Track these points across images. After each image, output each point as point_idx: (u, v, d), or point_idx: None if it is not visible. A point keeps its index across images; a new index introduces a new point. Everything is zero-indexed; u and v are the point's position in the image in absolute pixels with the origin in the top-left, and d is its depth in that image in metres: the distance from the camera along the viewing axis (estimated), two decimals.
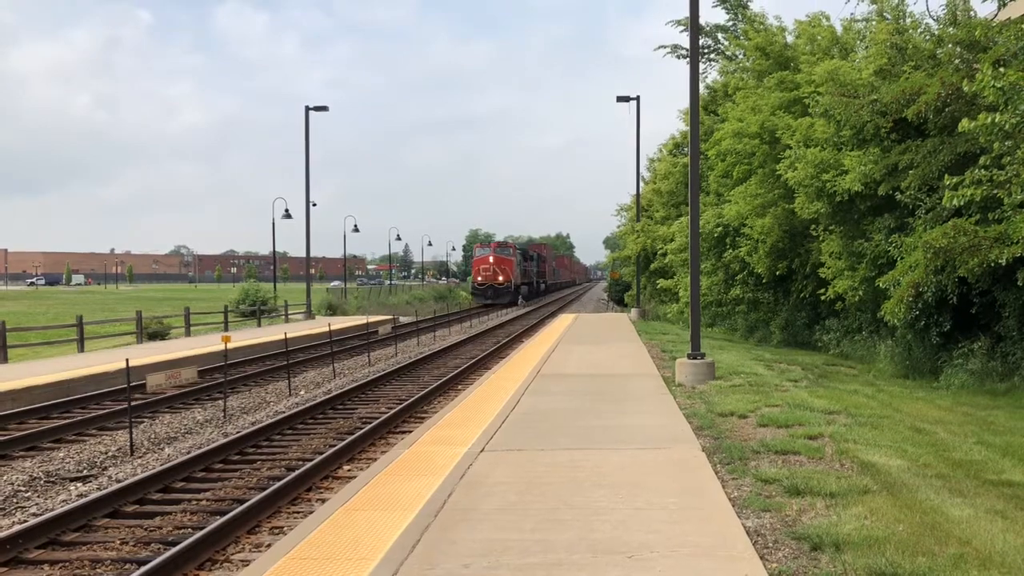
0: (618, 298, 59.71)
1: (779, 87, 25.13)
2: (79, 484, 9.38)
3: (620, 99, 36.83)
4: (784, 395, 11.99)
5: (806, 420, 9.77)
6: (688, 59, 15.45)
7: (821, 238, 21.68)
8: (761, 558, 5.05)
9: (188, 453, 10.59)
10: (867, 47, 22.27)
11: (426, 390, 15.47)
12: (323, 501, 8.05)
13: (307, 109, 35.48)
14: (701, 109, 18.33)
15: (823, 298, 21.48)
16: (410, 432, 10.39)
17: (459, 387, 16.36)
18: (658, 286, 38.85)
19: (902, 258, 16.71)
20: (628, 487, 6.67)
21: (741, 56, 32.92)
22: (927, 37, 19.79)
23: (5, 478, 9.49)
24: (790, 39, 28.27)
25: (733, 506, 6.16)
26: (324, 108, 36.02)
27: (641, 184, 43.04)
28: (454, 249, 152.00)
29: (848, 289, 19.96)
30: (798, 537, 5.54)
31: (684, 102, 52.08)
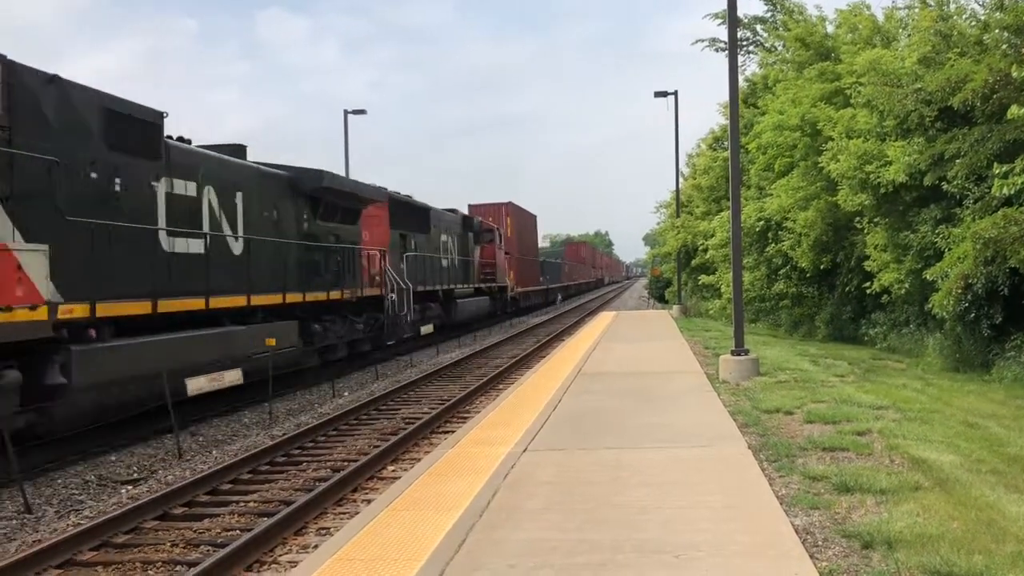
0: (659, 295, 58.83)
1: (820, 78, 24.78)
2: (130, 487, 9.55)
3: (658, 94, 36.55)
4: (831, 391, 11.81)
5: (854, 416, 9.61)
6: (726, 52, 15.29)
7: (866, 231, 21.33)
8: (811, 557, 4.96)
9: (235, 456, 10.73)
10: (910, 35, 21.86)
11: (468, 390, 15.50)
12: (368, 502, 8.09)
13: (345, 113, 35.73)
14: (740, 102, 18.06)
15: (869, 291, 21.14)
16: (453, 432, 10.41)
17: (500, 387, 16.36)
18: (699, 282, 38.54)
19: (950, 249, 16.40)
20: (673, 486, 6.61)
21: (780, 48, 32.54)
22: (973, 23, 19.39)
23: (60, 481, 9.68)
24: (830, 29, 27.87)
25: (781, 504, 6.07)
26: (362, 112, 36.28)
27: (680, 179, 42.72)
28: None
29: (894, 282, 19.63)
30: (848, 535, 5.45)
31: (723, 96, 51.58)
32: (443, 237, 29.10)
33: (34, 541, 7.50)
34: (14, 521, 8.22)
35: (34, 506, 8.59)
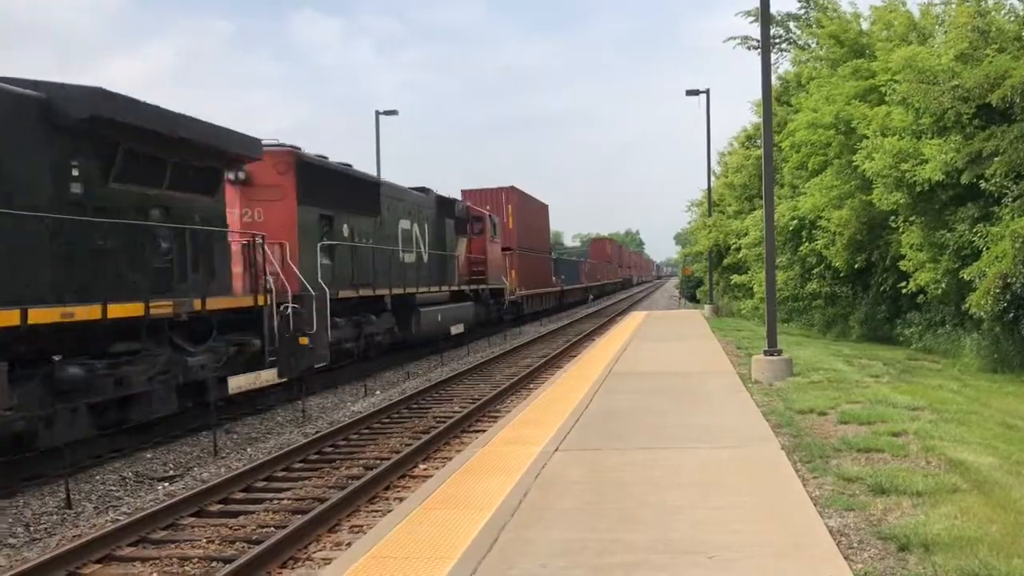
0: (690, 295, 58.37)
1: (854, 75, 24.52)
2: (166, 484, 9.69)
3: (689, 92, 36.37)
4: (865, 391, 11.68)
5: (889, 416, 9.50)
6: (759, 50, 15.18)
7: (901, 230, 21.08)
8: (846, 558, 4.92)
9: (269, 453, 10.85)
10: (947, 31, 21.56)
11: (498, 389, 15.54)
12: (401, 500, 8.14)
13: (377, 114, 35.98)
14: (773, 100, 17.92)
15: (904, 291, 20.89)
16: (484, 431, 10.44)
17: (531, 386, 16.37)
18: (732, 282, 38.30)
19: (988, 248, 16.16)
20: (705, 486, 6.58)
21: (814, 45, 32.20)
22: (1012, 18, 19.08)
23: (98, 478, 9.85)
24: (865, 26, 27.55)
25: (815, 505, 6.02)
26: (394, 112, 36.50)
27: (712, 178, 42.43)
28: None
29: (930, 282, 19.37)
30: (884, 537, 5.39)
31: (755, 94, 51.14)
32: (403, 224, 21.36)
33: (74, 536, 7.65)
34: (55, 516, 8.39)
35: (74, 502, 8.75)
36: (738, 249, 35.26)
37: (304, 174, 16.03)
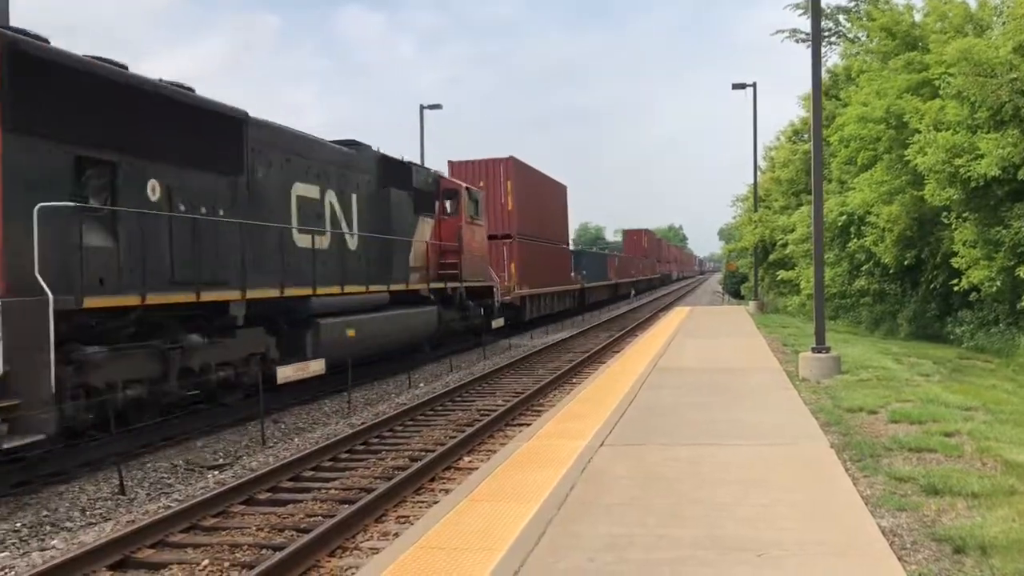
0: (734, 290, 57.70)
1: (906, 69, 24.04)
2: (216, 472, 9.86)
3: (736, 86, 35.96)
4: (916, 390, 11.48)
5: (941, 416, 9.33)
6: (807, 43, 14.96)
7: (954, 226, 20.64)
8: (899, 559, 4.85)
9: (316, 443, 10.98)
10: (1004, 23, 21.01)
11: (541, 383, 15.55)
12: (446, 491, 8.20)
13: (421, 108, 36.10)
14: (822, 94, 17.63)
15: (956, 289, 20.47)
16: (528, 425, 10.46)
17: (573, 380, 16.37)
18: (778, 278, 37.84)
19: None
20: (753, 484, 6.52)
21: (864, 38, 31.64)
22: None
23: (150, 465, 10.05)
24: (918, 17, 26.99)
25: (866, 505, 5.94)
26: (438, 106, 36.55)
27: (758, 173, 41.94)
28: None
29: (984, 279, 18.96)
30: (939, 539, 5.30)
31: (801, 88, 50.43)
32: (303, 189, 14.43)
33: (128, 521, 7.82)
34: (109, 502, 8.58)
35: (127, 488, 8.94)
36: (784, 245, 34.84)
37: (28, 77, 9.09)
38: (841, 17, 35.77)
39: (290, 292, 13.36)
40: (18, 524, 7.76)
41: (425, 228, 20.12)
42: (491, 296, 24.58)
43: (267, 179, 13.49)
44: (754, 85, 36.02)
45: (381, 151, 18.18)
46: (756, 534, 5.29)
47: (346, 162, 16.47)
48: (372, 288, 16.34)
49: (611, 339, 25.14)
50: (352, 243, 16.15)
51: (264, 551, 6.74)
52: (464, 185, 22.92)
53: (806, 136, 37.06)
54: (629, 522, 5.62)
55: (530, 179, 32.16)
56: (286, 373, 12.27)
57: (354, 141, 17.45)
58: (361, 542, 6.95)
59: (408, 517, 7.55)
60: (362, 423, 12.41)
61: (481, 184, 26.91)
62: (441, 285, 20.46)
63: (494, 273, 25.31)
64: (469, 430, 11.15)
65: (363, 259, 16.42)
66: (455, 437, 10.89)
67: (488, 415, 12.46)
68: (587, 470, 7.07)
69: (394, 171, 18.50)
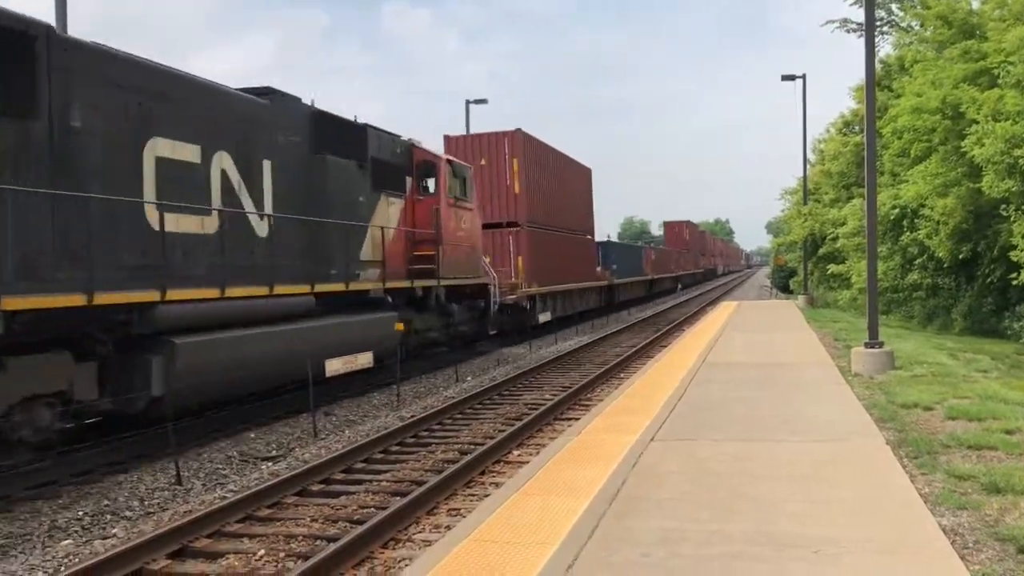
0: (782, 285, 56.82)
1: (963, 58, 23.48)
2: (269, 463, 10.02)
3: (785, 78, 35.49)
4: (973, 386, 11.24)
5: (1001, 413, 9.12)
6: (858, 33, 14.69)
7: (1012, 218, 20.14)
8: (961, 558, 4.76)
9: (367, 436, 11.10)
10: None
11: (589, 378, 15.52)
12: (496, 485, 8.24)
13: (467, 103, 36.17)
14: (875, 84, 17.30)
15: (1014, 283, 19.97)
16: (577, 419, 10.46)
17: (621, 375, 16.31)
18: (828, 272, 37.27)
19: None
20: (806, 480, 6.45)
21: (918, 27, 30.97)
22: None
23: (205, 456, 10.25)
24: (975, 5, 26.33)
25: (925, 503, 5.83)
26: (483, 101, 36.60)
27: (807, 166, 41.29)
28: (608, 237, 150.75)
29: None
30: (1002, 538, 5.19)
31: (851, 80, 49.50)
32: (164, 147, 10.38)
33: (185, 512, 7.98)
34: (167, 492, 8.77)
35: (183, 479, 9.13)
36: (835, 239, 34.29)
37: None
38: (894, 6, 35.05)
39: (108, 299, 8.96)
40: (80, 512, 7.96)
41: (389, 210, 15.79)
42: (488, 295, 20.40)
43: (92, 128, 9.29)
44: (803, 76, 35.50)
45: (312, 105, 13.62)
46: (811, 531, 5.24)
47: (253, 116, 12.07)
48: (282, 289, 11.86)
49: (658, 333, 24.93)
50: (260, 227, 11.94)
51: (319, 542, 6.83)
52: (445, 157, 18.39)
53: (857, 128, 36.41)
54: (681, 517, 5.60)
55: (542, 157, 27.50)
56: (335, 366, 12.39)
57: (270, 89, 12.95)
58: (414, 534, 7.01)
59: (459, 510, 7.60)
60: (411, 416, 12.51)
61: (483, 162, 23.66)
62: (404, 284, 15.82)
63: (491, 268, 21.03)
64: (518, 424, 11.18)
65: (278, 249, 12.11)
66: (504, 431, 10.93)
67: (536, 409, 12.48)
68: (638, 465, 7.05)
69: (336, 133, 14.04)
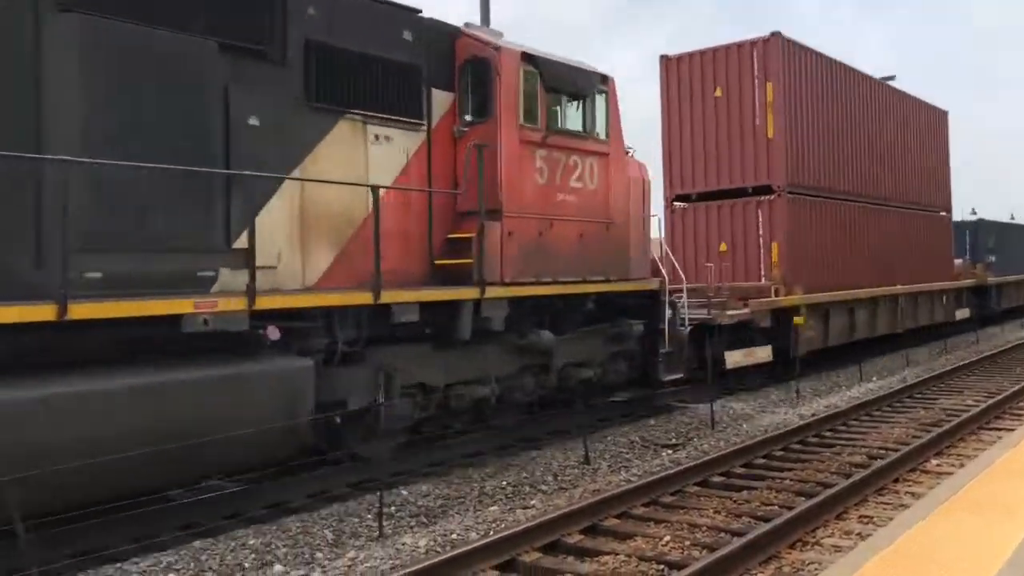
0: None
1: None
2: (669, 451, 10.28)
3: None
4: None
5: None
6: None
7: None
8: None
9: (765, 431, 10.92)
10: None
11: (1020, 384, 13.72)
12: (912, 495, 7.65)
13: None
14: None
15: None
16: (1011, 431, 9.30)
17: None
18: None
19: None
20: None
21: None
22: None
23: (609, 439, 10.80)
24: None
25: None
26: (891, 78, 33.85)
27: None
28: (974, 213, 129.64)
29: None
30: None
31: None
32: None
33: (593, 490, 8.47)
34: (576, 470, 9.39)
35: (591, 459, 9.71)
36: None
37: None
38: None
39: None
40: (504, 483, 8.82)
41: (370, 152, 8.76)
42: (656, 309, 11.97)
43: None
44: None
45: None
46: None
47: None
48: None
49: None
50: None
51: (722, 535, 6.85)
52: (516, 48, 9.95)
53: None
54: None
55: (826, 79, 17.60)
56: (735, 358, 12.37)
57: None
58: (822, 538, 6.74)
59: (871, 518, 7.17)
60: (812, 414, 12.05)
61: (717, 93, 16.34)
62: (356, 298, 8.17)
63: (669, 264, 12.54)
64: (936, 431, 10.25)
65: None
66: (919, 437, 10.08)
67: (956, 416, 11.33)
68: None
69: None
